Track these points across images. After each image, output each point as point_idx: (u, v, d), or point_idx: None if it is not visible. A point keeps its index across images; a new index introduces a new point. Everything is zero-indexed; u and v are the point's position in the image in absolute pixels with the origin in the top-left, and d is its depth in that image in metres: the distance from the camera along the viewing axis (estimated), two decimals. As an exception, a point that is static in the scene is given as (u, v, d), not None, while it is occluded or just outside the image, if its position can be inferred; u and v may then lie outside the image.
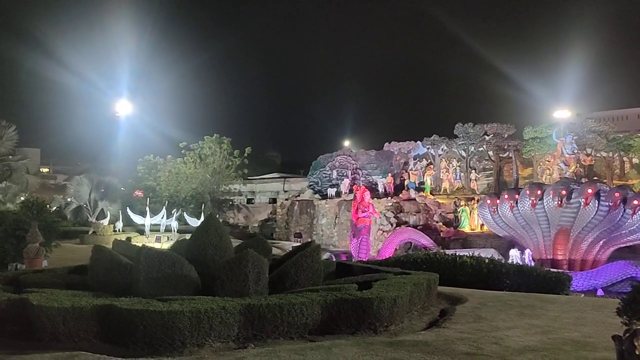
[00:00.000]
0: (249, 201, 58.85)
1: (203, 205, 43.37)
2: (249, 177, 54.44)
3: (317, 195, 43.01)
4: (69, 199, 47.18)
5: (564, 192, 24.32)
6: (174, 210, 40.20)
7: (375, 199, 34.81)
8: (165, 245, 27.75)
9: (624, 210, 23.69)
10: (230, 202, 51.66)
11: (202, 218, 28.96)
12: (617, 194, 23.78)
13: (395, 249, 29.61)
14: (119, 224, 36.50)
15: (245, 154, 48.25)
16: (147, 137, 54.90)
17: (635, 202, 23.58)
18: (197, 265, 9.64)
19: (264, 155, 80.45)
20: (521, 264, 19.71)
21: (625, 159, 36.21)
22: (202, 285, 9.38)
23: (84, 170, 54.92)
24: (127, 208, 38.60)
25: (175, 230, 36.59)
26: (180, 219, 39.23)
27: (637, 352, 4.56)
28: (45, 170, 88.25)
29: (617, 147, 35.07)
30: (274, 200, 54.94)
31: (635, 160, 36.01)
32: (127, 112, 51.99)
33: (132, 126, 53.38)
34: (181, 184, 46.48)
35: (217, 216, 39.96)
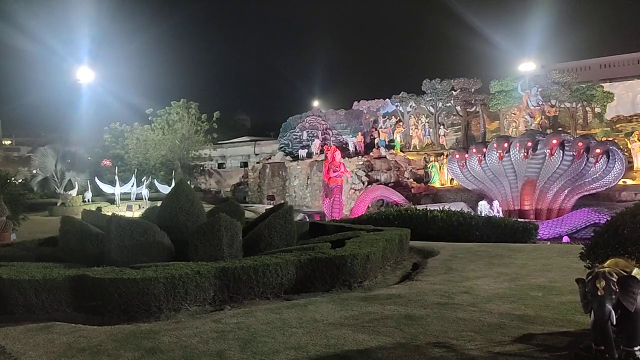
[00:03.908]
0: (220, 166, 58.42)
1: (173, 171, 42.91)
2: (219, 142, 53.89)
3: (288, 157, 42.91)
4: (34, 171, 46.15)
5: (529, 143, 24.68)
6: (144, 178, 39.71)
7: (346, 158, 34.88)
8: (136, 213, 27.51)
9: (587, 159, 24.25)
10: (201, 168, 51.23)
11: (173, 185, 28.78)
12: (580, 144, 24.27)
13: (368, 206, 29.89)
14: (88, 194, 35.95)
15: (214, 118, 47.64)
16: (112, 105, 53.49)
17: (598, 150, 24.14)
18: (169, 232, 9.63)
19: (234, 118, 79.49)
20: (490, 215, 20.14)
21: (588, 108, 36.80)
22: (176, 251, 9.39)
23: (48, 141, 53.63)
24: (96, 178, 37.98)
25: (147, 198, 36.23)
26: (151, 187, 38.82)
27: (599, 293, 4.74)
28: (7, 142, 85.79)
29: (580, 97, 35.59)
30: (245, 164, 54.59)
31: (597, 110, 36.67)
32: (89, 80, 50.43)
33: (95, 94, 51.87)
34: (150, 151, 45.78)
35: (188, 182, 39.62)
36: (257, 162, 46.46)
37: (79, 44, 57.52)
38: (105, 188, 36.86)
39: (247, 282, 7.76)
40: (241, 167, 55.25)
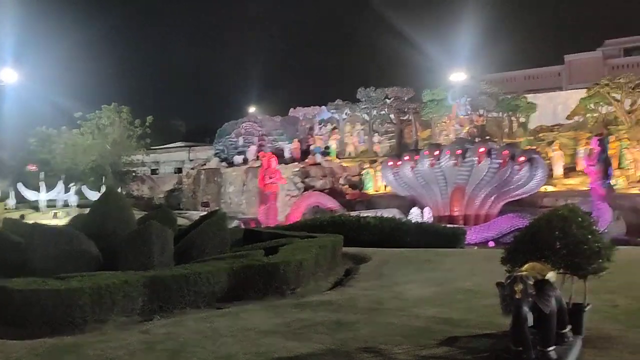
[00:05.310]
0: (154, 172, 56.94)
1: (104, 177, 41.43)
2: (152, 147, 52.49)
3: (223, 163, 42.40)
4: (-50, 177, 43.35)
5: (459, 151, 25.57)
6: (72, 184, 38.09)
7: (282, 164, 34.93)
8: (63, 221, 26.39)
9: (512, 167, 25.41)
10: (134, 174, 49.76)
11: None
12: (506, 152, 25.39)
13: (303, 213, 30.01)
14: (11, 201, 34.09)
15: (147, 123, 46.44)
16: (38, 108, 50.83)
17: (522, 158, 25.34)
18: (97, 240, 9.33)
19: (168, 124, 77.66)
20: (421, 221, 20.70)
21: (513, 118, 38.57)
22: (104, 260, 9.11)
23: (-34, 145, 50.56)
24: (20, 184, 36.09)
25: (74, 205, 34.77)
26: (80, 193, 37.27)
27: (516, 296, 4.98)
28: None
29: (506, 107, 37.27)
30: (179, 170, 53.45)
31: (522, 120, 38.51)
32: (12, 81, 47.84)
33: (19, 97, 49.24)
34: (78, 156, 44.02)
35: (120, 189, 38.44)
36: (192, 168, 45.65)
37: (1, 43, 54.54)
38: (29, 194, 35.06)
39: (178, 291, 7.64)
40: (175, 173, 54.08)
